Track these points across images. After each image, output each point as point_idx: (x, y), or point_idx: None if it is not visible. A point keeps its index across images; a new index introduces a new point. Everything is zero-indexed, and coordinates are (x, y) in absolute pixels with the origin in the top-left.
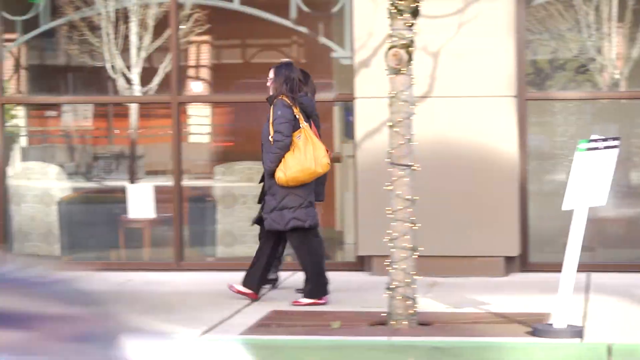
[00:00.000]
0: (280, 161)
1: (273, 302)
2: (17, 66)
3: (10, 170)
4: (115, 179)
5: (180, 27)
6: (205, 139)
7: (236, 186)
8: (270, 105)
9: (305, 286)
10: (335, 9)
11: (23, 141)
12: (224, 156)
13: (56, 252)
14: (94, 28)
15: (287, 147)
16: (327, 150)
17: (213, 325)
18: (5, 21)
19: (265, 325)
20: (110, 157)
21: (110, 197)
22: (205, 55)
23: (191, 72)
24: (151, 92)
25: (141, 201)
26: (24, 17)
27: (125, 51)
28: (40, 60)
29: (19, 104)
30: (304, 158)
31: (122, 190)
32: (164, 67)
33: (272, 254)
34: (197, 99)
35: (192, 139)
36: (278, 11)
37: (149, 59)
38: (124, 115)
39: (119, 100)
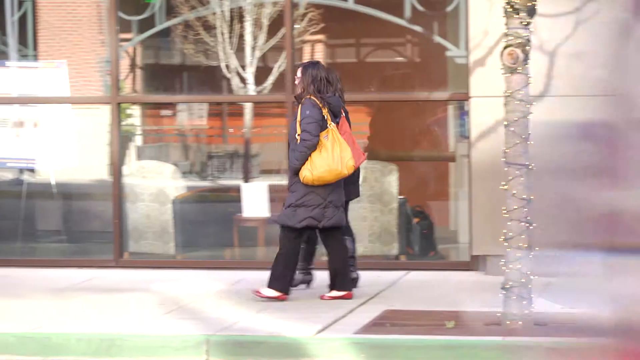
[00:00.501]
0: (306, 160)
1: (387, 301)
2: (132, 66)
3: (125, 169)
4: (229, 178)
5: (294, 26)
6: None
7: None
8: (298, 104)
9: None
10: (450, 8)
11: (138, 140)
12: None
13: (170, 251)
14: (209, 27)
15: (314, 147)
16: (363, 154)
17: (327, 324)
18: (121, 21)
19: (379, 324)
20: (224, 156)
21: (225, 195)
22: (319, 54)
23: None
24: (265, 91)
25: (255, 200)
26: (140, 17)
27: (239, 50)
28: (156, 60)
29: (134, 103)
30: (331, 159)
31: (237, 189)
32: (279, 66)
33: (307, 251)
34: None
35: None
36: (392, 10)
37: (263, 58)
38: (238, 114)
39: (233, 100)
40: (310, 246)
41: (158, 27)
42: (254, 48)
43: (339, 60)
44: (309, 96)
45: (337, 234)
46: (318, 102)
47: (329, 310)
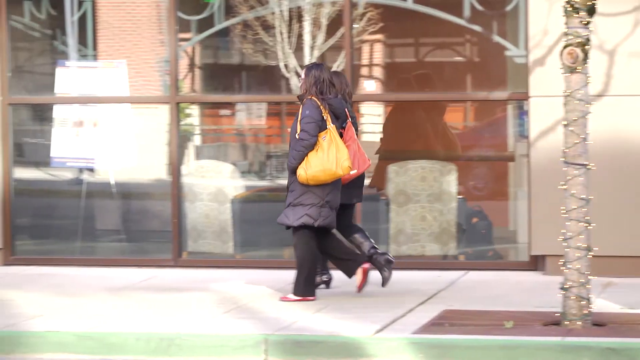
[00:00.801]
0: (303, 159)
1: (445, 301)
2: (191, 65)
3: (184, 169)
4: (287, 178)
5: (353, 26)
6: (379, 138)
7: (409, 185)
8: (301, 104)
9: (297, 283)
10: (509, 7)
11: (197, 140)
12: (397, 155)
13: (229, 250)
14: (268, 27)
15: (311, 147)
16: (368, 160)
17: (386, 324)
18: (180, 21)
19: (438, 324)
20: (282, 156)
21: (283, 195)
22: (378, 53)
23: (364, 70)
24: None
25: None
26: (199, 17)
27: (298, 50)
28: (214, 60)
29: (193, 102)
30: (326, 159)
31: None
32: (337, 65)
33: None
34: (370, 97)
35: (365, 137)
36: (451, 9)
37: (322, 57)
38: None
39: (292, 99)
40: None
41: (217, 27)
42: (312, 48)
43: (398, 60)
44: (310, 97)
45: (327, 237)
46: (319, 103)
47: (388, 310)
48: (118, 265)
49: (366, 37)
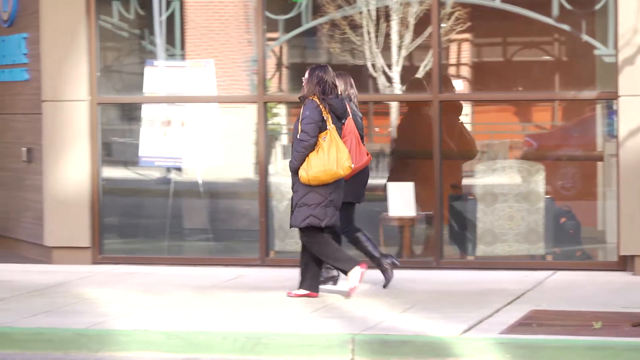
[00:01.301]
0: (304, 160)
1: (533, 301)
2: (278, 65)
3: (272, 168)
4: (375, 177)
5: (441, 25)
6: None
7: (497, 184)
8: (302, 105)
9: (304, 279)
10: (598, 6)
11: (284, 139)
12: (485, 154)
13: None
14: (355, 26)
15: (311, 147)
16: (368, 154)
17: (473, 323)
18: (268, 20)
19: (525, 324)
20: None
21: (371, 195)
22: (466, 53)
23: (452, 70)
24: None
25: (401, 199)
26: (286, 17)
27: (385, 49)
28: (302, 59)
29: (280, 102)
30: (327, 159)
31: (383, 188)
32: (425, 65)
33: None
34: (459, 97)
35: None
36: (539, 9)
37: (409, 57)
38: (384, 113)
39: (379, 99)
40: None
41: (304, 27)
42: (400, 47)
43: (485, 59)
44: (311, 97)
45: (321, 235)
46: (319, 104)
47: (475, 310)
48: (205, 264)
49: (454, 36)
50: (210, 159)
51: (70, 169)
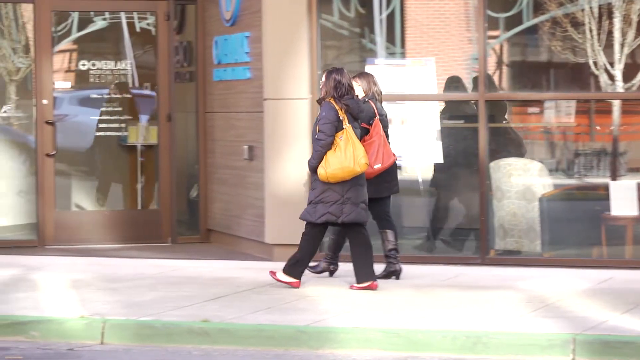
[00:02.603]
0: (322, 159)
1: None
2: (499, 63)
3: (492, 167)
4: (596, 176)
5: None
6: None
7: None
8: (320, 106)
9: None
10: None
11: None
12: None
13: (536, 249)
14: (577, 24)
15: (328, 146)
16: (393, 155)
17: None
18: (489, 18)
19: None
20: (591, 154)
21: (592, 194)
22: None
23: None
24: (634, 88)
25: (624, 198)
26: (507, 14)
27: (607, 47)
28: (522, 57)
29: (501, 100)
30: (344, 157)
31: (604, 187)
32: None
33: (335, 242)
34: None
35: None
36: None
37: (632, 54)
38: (606, 111)
39: (601, 97)
40: (339, 238)
41: (525, 24)
42: (622, 45)
43: None
44: (328, 99)
45: (359, 229)
46: (335, 105)
47: None
48: (425, 262)
49: None
50: (430, 157)
51: (290, 167)
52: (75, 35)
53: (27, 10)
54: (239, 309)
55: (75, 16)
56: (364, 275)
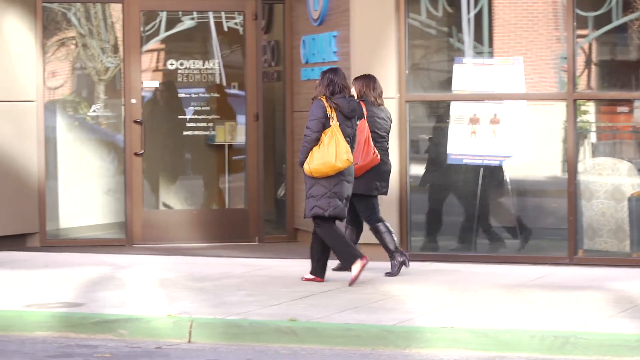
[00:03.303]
0: (308, 154)
1: None
2: (587, 62)
3: (580, 166)
4: None
5: None
6: None
7: None
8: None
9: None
10: None
11: (593, 137)
12: None
13: (625, 249)
14: None
15: (313, 142)
16: (374, 153)
17: None
18: (577, 17)
19: None
20: None
21: None
22: None
23: None
24: None
25: None
26: (596, 13)
27: None
28: (611, 56)
29: (589, 99)
30: (326, 153)
31: None
32: None
33: (351, 237)
34: None
35: None
36: None
37: None
38: None
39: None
40: (355, 231)
41: (615, 23)
42: None
43: None
44: (319, 97)
45: (329, 225)
46: (325, 103)
47: None
48: (511, 262)
49: None
50: (519, 156)
51: None
52: (163, 34)
53: (115, 10)
54: (325, 308)
55: (163, 16)
56: (316, 268)
